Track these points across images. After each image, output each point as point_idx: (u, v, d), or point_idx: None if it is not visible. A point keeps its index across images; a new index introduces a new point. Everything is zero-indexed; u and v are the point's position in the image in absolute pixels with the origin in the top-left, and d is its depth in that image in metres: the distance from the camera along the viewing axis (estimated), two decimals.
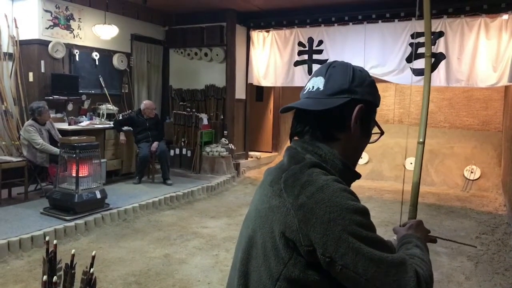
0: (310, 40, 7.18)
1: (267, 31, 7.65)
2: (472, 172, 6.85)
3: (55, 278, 1.29)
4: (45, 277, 1.33)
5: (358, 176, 1.01)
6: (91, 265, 1.47)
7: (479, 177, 6.83)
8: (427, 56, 1.34)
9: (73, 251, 1.54)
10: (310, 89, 0.98)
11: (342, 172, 0.94)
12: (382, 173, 7.50)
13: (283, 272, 0.84)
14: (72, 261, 1.45)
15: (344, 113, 0.94)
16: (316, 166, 0.90)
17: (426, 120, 1.35)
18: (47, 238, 1.52)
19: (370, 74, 1.01)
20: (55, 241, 1.51)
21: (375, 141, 1.05)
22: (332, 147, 0.95)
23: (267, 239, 0.87)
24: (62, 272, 1.41)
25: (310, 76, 1.02)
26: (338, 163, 0.94)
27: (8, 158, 5.28)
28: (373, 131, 1.04)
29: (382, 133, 1.05)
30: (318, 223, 0.81)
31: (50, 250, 1.43)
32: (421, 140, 1.32)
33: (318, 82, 0.97)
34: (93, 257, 1.54)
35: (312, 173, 0.88)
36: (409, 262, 0.84)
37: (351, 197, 0.85)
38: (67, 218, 4.38)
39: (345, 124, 0.95)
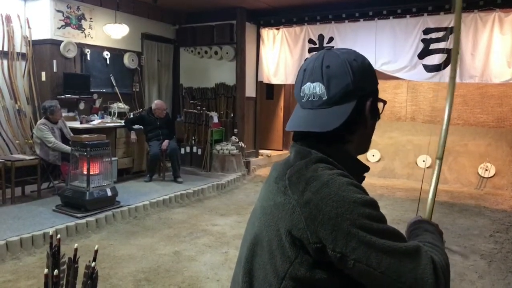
0: (321, 37, 7.13)
1: (277, 29, 7.62)
2: (486, 170, 6.73)
3: (56, 271, 1.30)
4: (46, 270, 1.33)
5: (366, 168, 0.97)
6: (94, 259, 1.48)
7: (494, 174, 6.70)
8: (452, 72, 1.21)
9: (75, 245, 1.55)
10: (311, 98, 0.90)
11: (351, 167, 0.92)
12: (394, 171, 7.42)
13: (289, 270, 0.82)
14: (75, 255, 1.46)
15: (355, 116, 0.89)
16: (321, 161, 0.87)
17: (446, 135, 1.27)
18: (50, 233, 1.53)
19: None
20: (58, 236, 1.52)
21: (381, 113, 0.99)
22: (344, 148, 0.92)
23: (272, 237, 0.86)
24: (65, 267, 1.43)
25: (301, 76, 0.93)
26: (346, 158, 0.92)
27: (21, 156, 5.36)
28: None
29: (385, 102, 0.98)
30: (325, 219, 0.78)
31: (54, 245, 1.44)
32: (439, 155, 1.25)
33: (317, 89, 0.89)
34: (96, 251, 1.55)
35: (317, 168, 0.85)
36: (424, 249, 0.80)
37: (357, 190, 0.82)
38: (79, 215, 4.42)
39: (358, 124, 0.91)
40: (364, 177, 0.99)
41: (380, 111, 0.98)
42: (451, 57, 1.21)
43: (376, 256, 0.76)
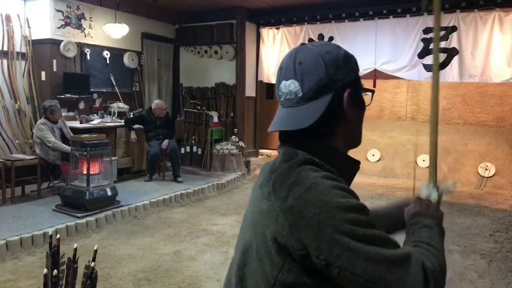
0: (321, 37, 7.13)
1: (277, 28, 7.61)
2: (486, 169, 6.73)
3: (55, 271, 1.30)
4: (45, 270, 1.33)
5: (356, 163, 0.94)
6: (93, 259, 1.48)
7: (494, 174, 6.70)
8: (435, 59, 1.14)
9: (75, 245, 1.55)
10: (288, 96, 0.88)
11: (340, 163, 0.89)
12: (394, 170, 7.42)
13: (278, 277, 0.80)
14: (74, 255, 1.46)
15: (334, 108, 0.86)
16: (306, 163, 0.84)
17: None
18: (50, 232, 1.53)
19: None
20: (58, 235, 1.52)
21: (369, 103, 0.95)
22: (331, 142, 0.89)
23: (260, 244, 0.84)
24: (65, 266, 1.42)
25: (278, 75, 0.91)
26: (335, 155, 0.89)
27: (21, 156, 5.36)
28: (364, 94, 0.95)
29: (372, 92, 0.95)
30: (308, 226, 0.76)
31: (53, 245, 1.44)
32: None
33: (292, 87, 0.87)
34: (95, 251, 1.55)
35: (301, 171, 0.82)
36: (415, 256, 0.76)
37: (342, 193, 0.78)
38: (79, 215, 4.42)
39: (339, 116, 0.88)
40: (356, 171, 0.95)
41: (369, 101, 0.94)
42: (433, 59, 1.18)
43: (361, 263, 0.73)
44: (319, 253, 0.75)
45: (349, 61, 0.90)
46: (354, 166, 0.94)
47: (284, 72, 0.90)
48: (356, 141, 0.95)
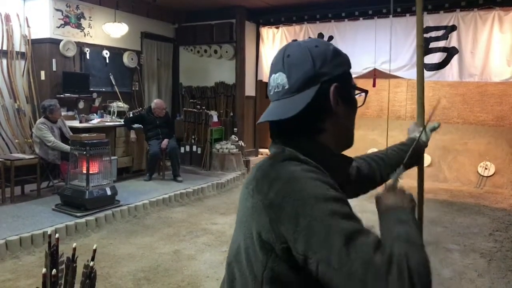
0: (320, 36, 7.12)
1: (277, 28, 7.61)
2: (486, 169, 6.73)
3: (54, 271, 1.30)
4: (44, 270, 1.33)
5: (348, 159, 0.94)
6: (92, 259, 1.48)
7: (494, 173, 6.70)
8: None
9: (74, 244, 1.55)
10: (276, 89, 0.89)
11: (330, 160, 0.88)
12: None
13: (264, 274, 0.80)
14: (73, 254, 1.45)
15: (321, 102, 0.86)
16: (290, 159, 0.84)
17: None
18: (49, 232, 1.53)
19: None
20: (57, 235, 1.52)
21: (363, 104, 0.95)
22: (320, 139, 0.88)
23: (248, 242, 0.84)
24: (64, 266, 1.42)
25: (270, 70, 0.92)
26: (323, 151, 0.88)
27: (21, 155, 5.36)
28: (357, 94, 0.94)
29: (366, 92, 0.94)
30: (287, 219, 0.75)
31: (52, 244, 1.44)
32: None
33: (280, 79, 0.88)
34: (94, 251, 1.55)
35: (283, 166, 0.82)
36: (396, 258, 0.68)
37: (321, 185, 0.77)
38: (78, 214, 4.42)
39: (326, 111, 0.87)
40: (348, 168, 0.94)
41: (362, 102, 0.94)
42: (416, 58, 1.36)
43: (340, 256, 0.69)
44: (297, 247, 0.74)
45: (338, 57, 0.90)
46: (346, 162, 0.94)
47: (273, 66, 0.91)
48: (346, 140, 0.94)
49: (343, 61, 0.90)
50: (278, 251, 0.78)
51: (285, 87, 0.87)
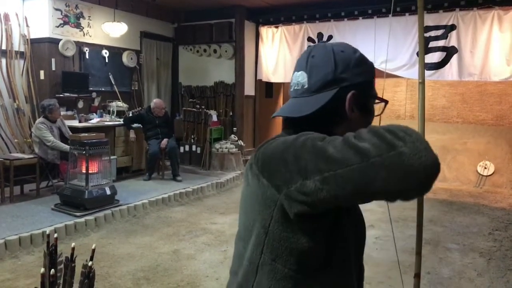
0: (320, 35, 7.12)
1: (276, 27, 7.60)
2: (485, 168, 6.73)
3: (52, 271, 1.30)
4: (42, 270, 1.33)
5: None
6: (91, 258, 1.48)
7: (493, 173, 6.71)
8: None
9: (73, 244, 1.54)
10: (296, 87, 0.92)
11: None
12: None
13: (269, 227, 0.84)
14: (72, 254, 1.45)
15: (336, 106, 0.87)
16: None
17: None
18: (47, 232, 1.52)
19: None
20: (55, 235, 1.51)
21: (381, 113, 0.97)
22: None
23: (253, 213, 0.88)
24: (62, 266, 1.42)
25: (294, 68, 0.96)
26: None
27: (20, 155, 5.35)
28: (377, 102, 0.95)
29: (386, 102, 0.96)
30: (273, 164, 0.80)
31: (51, 244, 1.43)
32: (420, 80, 1.44)
33: (301, 78, 0.90)
34: (93, 251, 1.55)
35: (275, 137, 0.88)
36: (376, 130, 0.72)
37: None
38: (78, 214, 4.42)
39: (341, 116, 0.88)
40: None
41: (381, 111, 0.95)
42: (418, 62, 1.35)
43: (332, 159, 0.71)
44: (294, 182, 0.76)
45: (361, 65, 0.91)
46: None
47: (298, 64, 0.94)
48: None
49: (366, 70, 0.92)
50: (278, 203, 0.81)
51: (304, 86, 0.90)
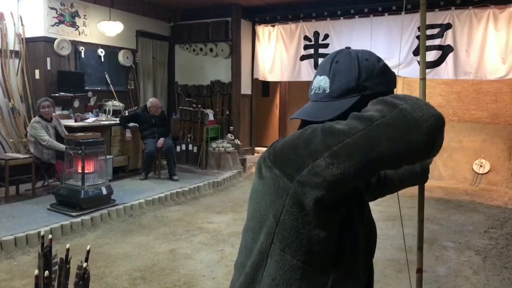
0: (316, 34, 7.12)
1: (273, 26, 7.60)
2: (481, 166, 6.76)
3: (46, 272, 1.29)
4: (36, 271, 1.32)
5: None
6: (86, 259, 1.47)
7: (489, 171, 6.74)
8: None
9: (67, 245, 1.53)
10: (317, 91, 0.93)
11: None
12: None
13: (280, 217, 0.84)
14: (67, 255, 1.44)
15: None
16: None
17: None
18: (42, 232, 1.52)
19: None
20: (50, 236, 1.51)
21: None
22: None
23: (265, 203, 0.88)
24: (57, 267, 1.41)
25: (315, 72, 0.97)
26: None
27: (15, 155, 5.33)
28: None
29: None
30: (285, 152, 0.83)
31: (45, 245, 1.42)
32: (421, 77, 1.45)
33: (323, 82, 0.91)
34: (88, 251, 1.54)
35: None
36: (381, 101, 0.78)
37: None
38: (74, 214, 4.40)
39: None
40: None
41: None
42: (420, 59, 1.36)
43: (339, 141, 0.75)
44: (302, 167, 0.78)
45: (384, 74, 0.92)
46: None
47: (321, 68, 0.94)
48: None
49: (388, 79, 0.93)
50: (290, 192, 0.82)
51: (326, 91, 0.91)
